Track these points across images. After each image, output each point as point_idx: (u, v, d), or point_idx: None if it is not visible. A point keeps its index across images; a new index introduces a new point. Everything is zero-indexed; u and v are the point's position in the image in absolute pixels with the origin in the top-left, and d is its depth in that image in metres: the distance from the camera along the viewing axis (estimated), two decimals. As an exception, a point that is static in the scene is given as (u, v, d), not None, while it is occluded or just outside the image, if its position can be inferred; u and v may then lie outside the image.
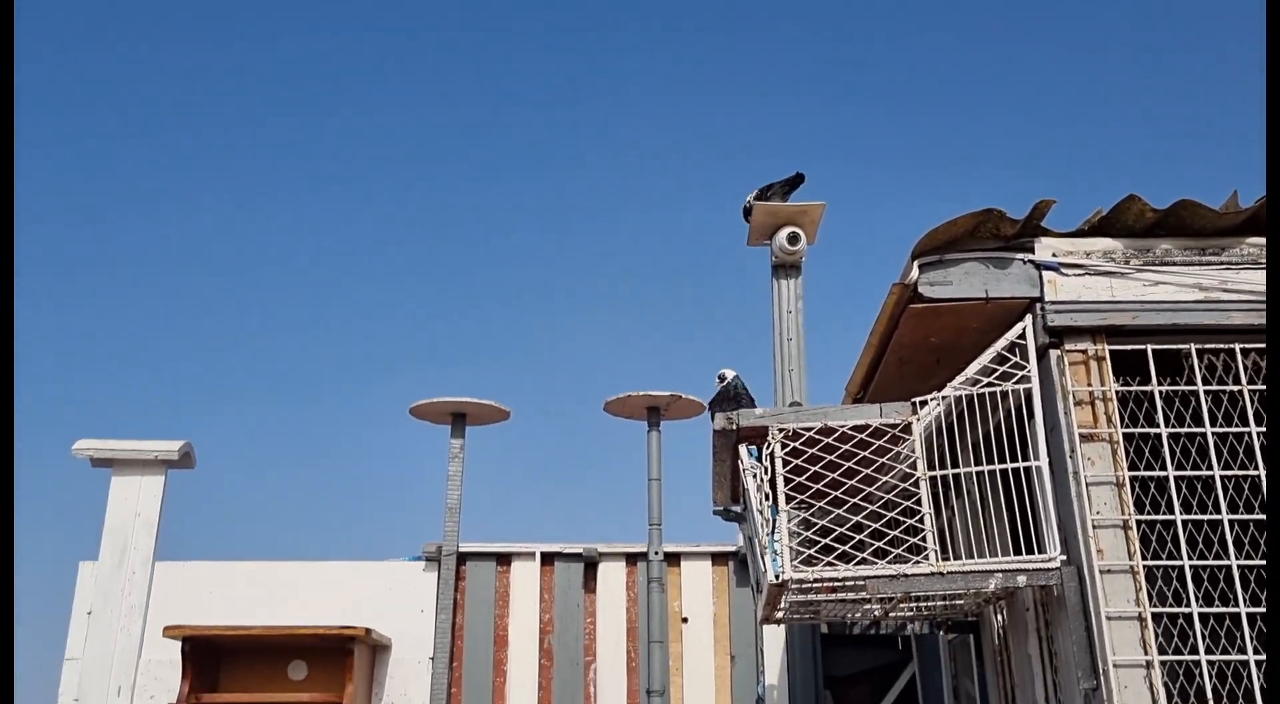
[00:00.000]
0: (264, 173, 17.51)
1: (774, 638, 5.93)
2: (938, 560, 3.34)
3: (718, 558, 6.25)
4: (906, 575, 3.33)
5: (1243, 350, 3.43)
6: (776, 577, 3.35)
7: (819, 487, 3.57)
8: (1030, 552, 3.44)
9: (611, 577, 6.20)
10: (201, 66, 16.61)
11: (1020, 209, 3.51)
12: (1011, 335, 3.50)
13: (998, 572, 3.35)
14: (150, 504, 5.89)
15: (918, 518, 3.40)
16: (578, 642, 6.06)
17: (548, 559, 6.18)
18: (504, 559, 6.18)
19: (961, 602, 4.02)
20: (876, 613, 4.22)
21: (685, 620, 6.15)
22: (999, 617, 4.25)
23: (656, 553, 6.04)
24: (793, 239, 6.43)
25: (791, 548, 3.39)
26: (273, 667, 5.64)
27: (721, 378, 5.10)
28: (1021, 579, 3.34)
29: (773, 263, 6.58)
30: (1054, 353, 3.47)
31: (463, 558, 6.09)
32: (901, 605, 4.02)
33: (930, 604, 3.97)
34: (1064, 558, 3.32)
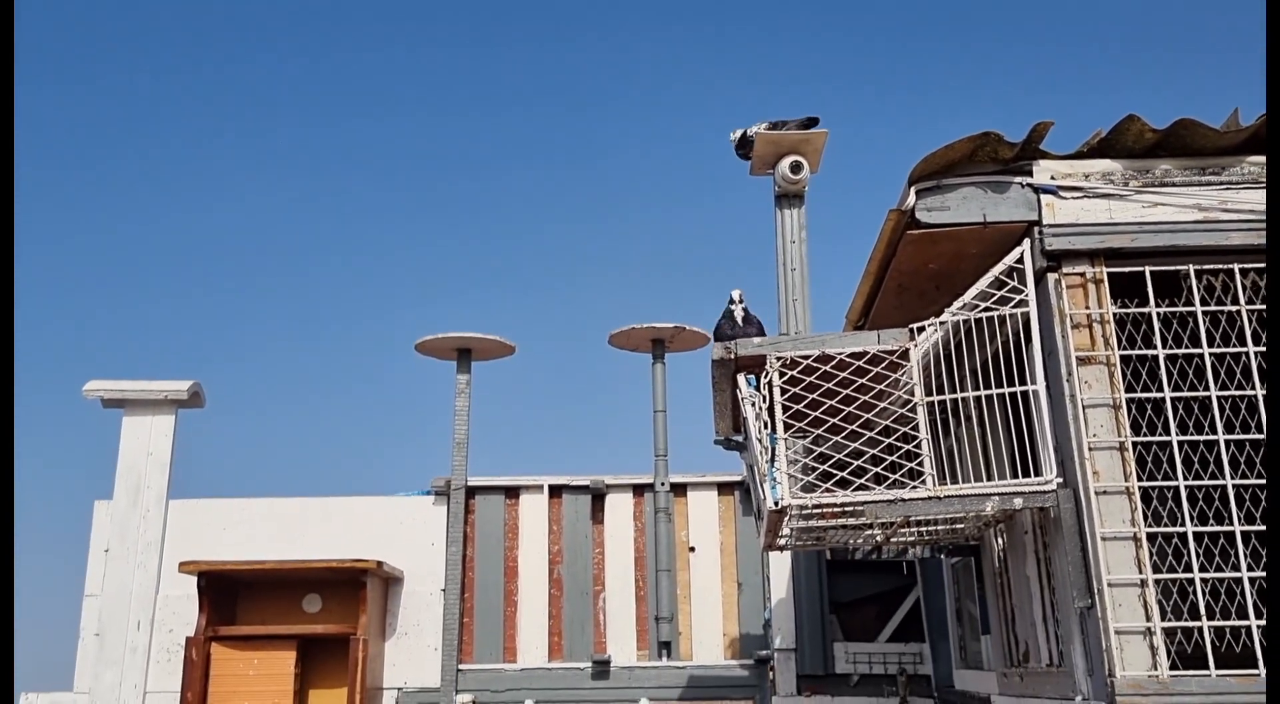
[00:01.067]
0: (268, 107, 17.37)
1: (780, 565, 6.01)
2: (935, 485, 3.37)
3: (723, 488, 6.32)
4: (904, 499, 3.37)
5: (1241, 270, 3.42)
6: (776, 503, 3.39)
7: (818, 414, 3.59)
8: (1029, 475, 3.47)
9: (619, 507, 6.28)
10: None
11: (1020, 131, 3.48)
12: (1009, 260, 3.49)
13: (995, 495, 3.39)
14: (162, 443, 5.98)
15: (916, 444, 3.42)
16: (587, 571, 6.15)
17: (555, 491, 6.26)
18: (512, 492, 6.26)
19: (962, 526, 4.07)
20: (878, 538, 4.28)
21: (692, 549, 6.24)
22: (999, 540, 4.30)
23: (663, 484, 6.11)
24: (795, 168, 6.38)
25: (791, 475, 3.42)
26: (288, 600, 5.76)
27: (732, 300, 5.13)
28: (1018, 502, 3.38)
29: (775, 192, 6.54)
30: (1052, 277, 3.46)
31: (471, 492, 6.17)
32: (902, 530, 4.07)
33: (931, 528, 4.02)
34: (1060, 480, 3.35)
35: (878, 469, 3.47)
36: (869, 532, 4.04)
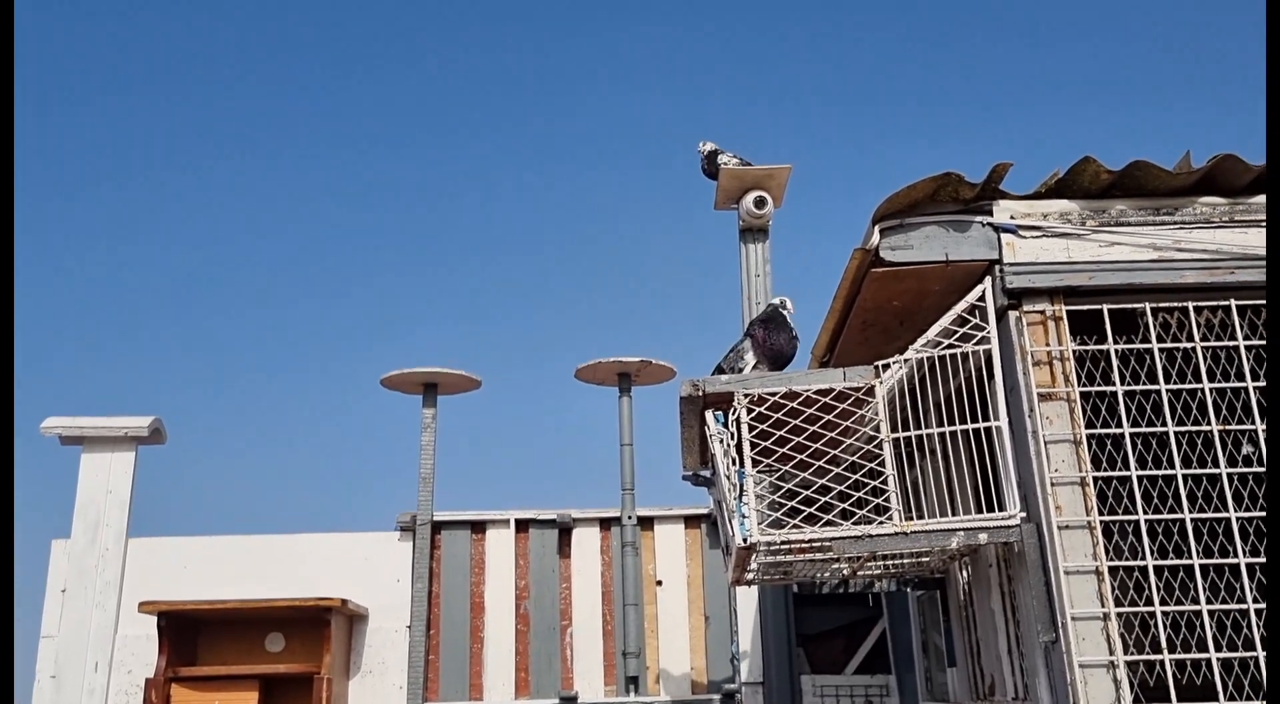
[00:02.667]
0: (229, 142, 17.30)
1: (747, 598, 6.02)
2: (901, 520, 3.41)
3: (690, 521, 6.33)
4: (871, 535, 3.40)
5: (1195, 308, 3.50)
6: (745, 540, 3.40)
7: (785, 450, 3.62)
8: (993, 509, 3.51)
9: (586, 541, 6.27)
10: (158, 36, 16.35)
11: (981, 170, 3.55)
12: (971, 297, 3.55)
13: (960, 530, 3.42)
14: (121, 481, 5.89)
15: (883, 479, 3.46)
16: (554, 606, 6.13)
17: (522, 526, 6.25)
18: (479, 527, 6.24)
19: (928, 559, 4.11)
20: (845, 572, 4.31)
21: (660, 583, 6.24)
22: (964, 573, 4.35)
23: (630, 517, 6.11)
24: (759, 203, 6.45)
25: (759, 511, 3.44)
26: (250, 639, 5.69)
27: (783, 305, 4.43)
28: (983, 537, 3.42)
29: (740, 227, 6.60)
30: (1013, 314, 3.52)
31: (437, 527, 6.14)
32: (869, 565, 4.10)
33: (898, 562, 4.05)
34: (1024, 515, 3.40)
35: (845, 505, 3.49)
36: (836, 566, 4.07)
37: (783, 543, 3.44)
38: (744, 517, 3.43)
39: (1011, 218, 3.58)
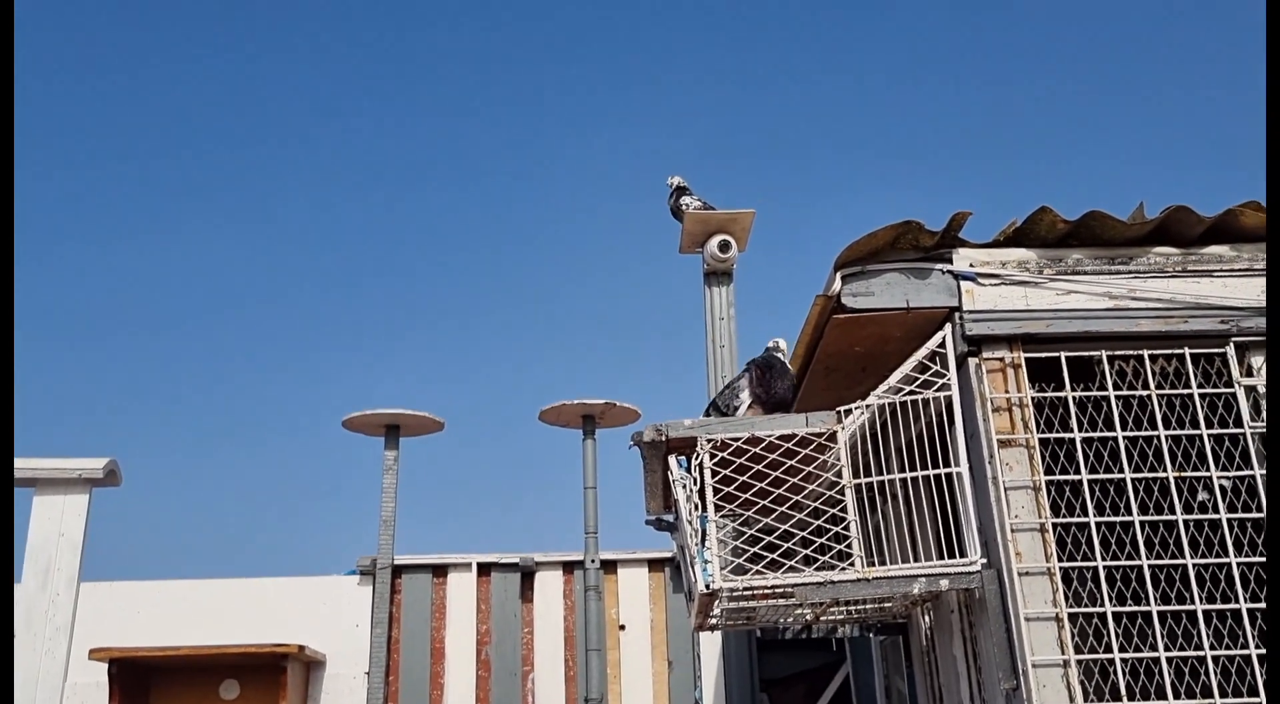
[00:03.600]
0: (197, 182, 17.19)
1: (710, 643, 5.99)
2: (864, 566, 3.41)
3: (654, 564, 6.30)
4: (834, 582, 3.40)
5: (1150, 356, 3.55)
6: (708, 586, 3.39)
7: (748, 496, 3.62)
8: (954, 555, 3.52)
9: (548, 586, 6.22)
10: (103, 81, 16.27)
11: (940, 219, 3.60)
12: (932, 344, 3.59)
13: (921, 576, 3.43)
14: (74, 524, 5.76)
15: (844, 525, 3.47)
16: (515, 652, 6.06)
17: (484, 570, 6.19)
18: (440, 571, 6.17)
19: (890, 605, 4.10)
20: (808, 617, 4.29)
21: (623, 627, 6.19)
22: (926, 618, 4.35)
23: (593, 561, 6.07)
24: (724, 247, 6.50)
25: (722, 557, 3.43)
26: (204, 687, 5.57)
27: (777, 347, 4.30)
28: (944, 583, 3.43)
29: (704, 270, 6.64)
30: (973, 361, 3.56)
31: (398, 571, 6.07)
32: (831, 610, 4.09)
33: (860, 608, 4.04)
34: (985, 561, 3.41)
35: (807, 551, 3.49)
36: (799, 611, 4.06)
37: (745, 589, 3.43)
38: (706, 562, 3.42)
39: (971, 265, 3.63)
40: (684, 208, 6.48)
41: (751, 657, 5.93)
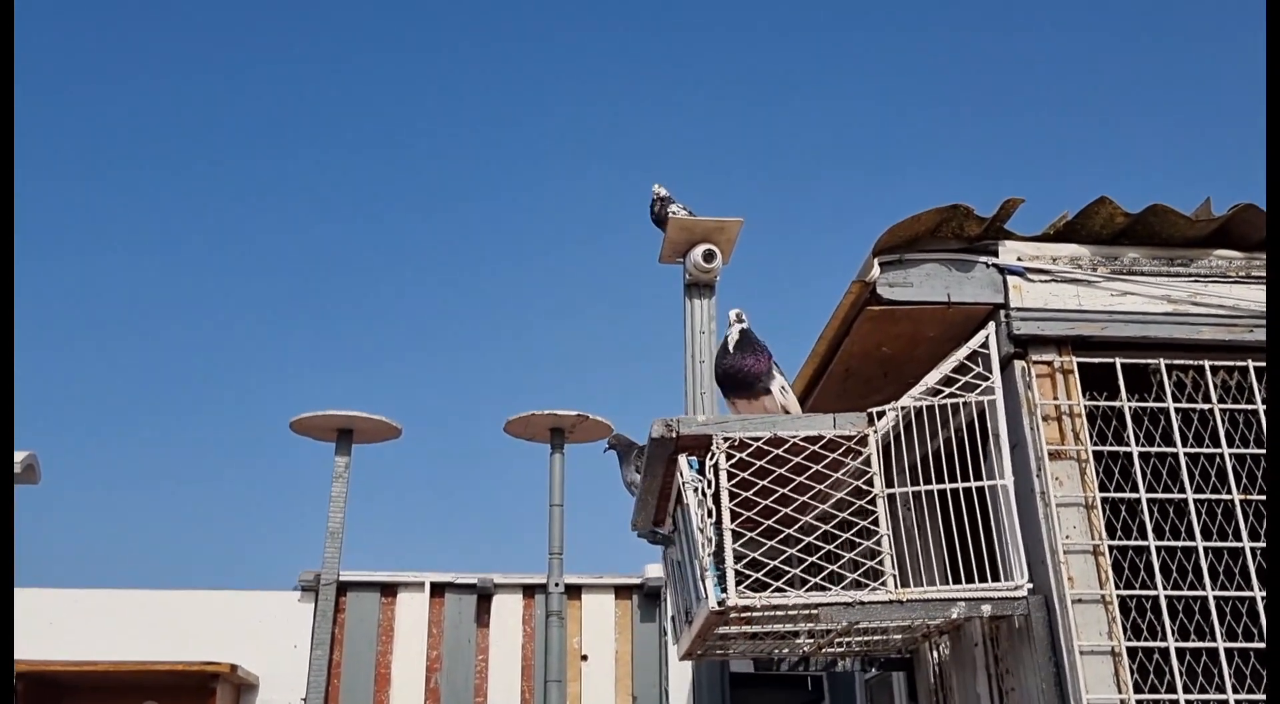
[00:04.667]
0: (138, 177, 16.48)
1: (680, 677, 5.57)
2: (896, 586, 3.03)
3: (621, 591, 5.88)
4: (864, 602, 3.01)
5: (1212, 367, 3.25)
6: (720, 603, 2.98)
7: (762, 505, 3.22)
8: (985, 579, 3.15)
9: (507, 610, 5.77)
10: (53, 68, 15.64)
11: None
12: (974, 343, 3.24)
13: (961, 600, 3.05)
14: (-16, 521, 5.20)
15: (874, 540, 3.08)
16: (467, 681, 5.58)
17: (438, 590, 5.72)
18: (389, 590, 5.69)
19: (900, 636, 3.72)
20: (808, 648, 3.89)
21: (585, 658, 5.75)
22: (936, 652, 3.97)
23: (557, 584, 5.61)
24: (708, 257, 6.15)
25: (737, 571, 3.02)
26: (121, 707, 5.02)
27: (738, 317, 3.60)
28: (986, 608, 3.05)
29: (686, 281, 6.29)
30: (1019, 364, 3.22)
31: (343, 587, 5.56)
32: (841, 638, 3.69)
33: (874, 638, 3.65)
34: (1031, 586, 3.05)
35: (834, 566, 3.10)
36: (804, 638, 3.65)
37: (762, 607, 3.02)
38: (720, 576, 3.01)
39: (1019, 259, 3.31)
40: (670, 214, 6.14)
41: (724, 692, 5.50)
